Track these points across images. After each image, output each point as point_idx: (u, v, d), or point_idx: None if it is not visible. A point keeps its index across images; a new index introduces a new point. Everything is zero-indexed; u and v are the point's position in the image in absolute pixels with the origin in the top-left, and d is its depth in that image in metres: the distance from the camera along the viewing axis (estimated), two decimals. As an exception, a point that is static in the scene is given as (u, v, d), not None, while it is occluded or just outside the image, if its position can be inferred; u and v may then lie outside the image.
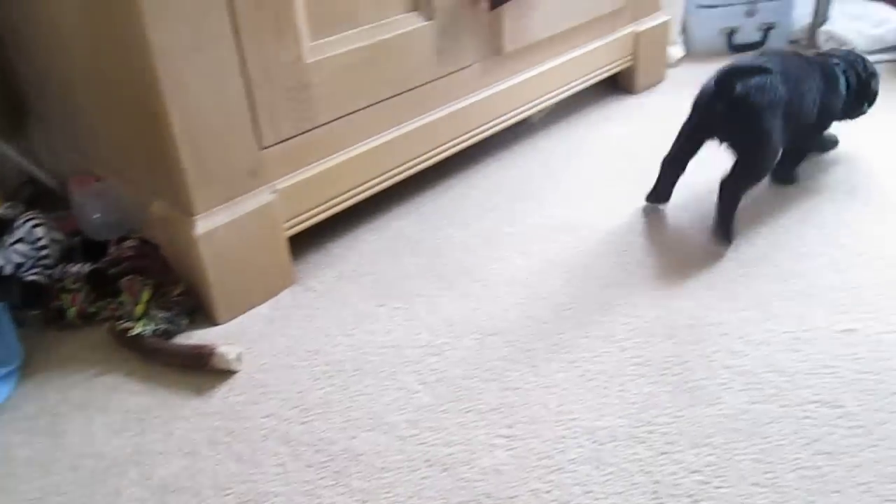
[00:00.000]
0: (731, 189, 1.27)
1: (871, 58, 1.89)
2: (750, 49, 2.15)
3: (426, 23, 1.36)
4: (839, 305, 1.13)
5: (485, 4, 1.44)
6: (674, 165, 1.38)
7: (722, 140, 1.28)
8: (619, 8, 1.80)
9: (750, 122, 1.22)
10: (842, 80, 1.39)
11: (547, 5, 1.58)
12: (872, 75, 1.45)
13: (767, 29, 2.14)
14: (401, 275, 1.29)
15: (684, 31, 2.17)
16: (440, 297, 1.22)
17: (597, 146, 1.67)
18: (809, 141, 1.47)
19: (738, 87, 1.21)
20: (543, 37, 1.62)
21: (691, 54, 2.15)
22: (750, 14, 2.11)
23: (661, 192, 1.41)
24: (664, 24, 1.95)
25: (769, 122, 1.22)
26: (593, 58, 1.79)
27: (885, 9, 2.15)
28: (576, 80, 1.77)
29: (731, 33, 2.13)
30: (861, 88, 1.42)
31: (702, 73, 1.92)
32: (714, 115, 1.26)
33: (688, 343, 1.08)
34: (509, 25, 1.52)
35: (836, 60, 1.42)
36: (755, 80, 1.22)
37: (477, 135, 1.56)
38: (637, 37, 1.88)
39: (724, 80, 1.24)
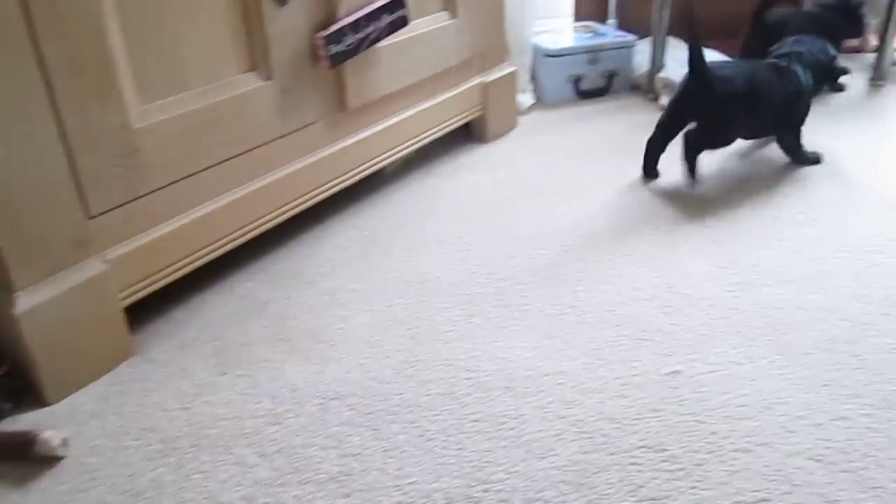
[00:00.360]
0: (692, 142, 1.64)
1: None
2: (596, 95, 2.26)
3: (264, 82, 1.36)
4: (666, 348, 1.19)
5: (325, 63, 1.45)
6: (655, 145, 1.73)
7: (693, 119, 1.64)
8: (467, 60, 1.86)
9: (713, 104, 1.58)
10: (801, 76, 1.69)
11: (392, 61, 1.61)
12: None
13: (610, 76, 2.26)
14: (246, 340, 1.26)
15: (534, 79, 2.26)
16: (284, 362, 1.20)
17: (448, 196, 1.71)
18: (786, 133, 1.76)
19: (710, 79, 1.57)
20: (390, 91, 1.65)
21: (541, 102, 2.24)
22: (593, 62, 2.22)
23: (648, 170, 1.74)
24: (511, 74, 2.03)
25: (728, 107, 1.58)
26: (443, 109, 1.83)
27: (717, 57, 2.31)
28: (427, 131, 1.80)
29: (577, 80, 2.23)
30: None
31: (552, 120, 2.01)
32: (689, 99, 1.62)
33: (525, 395, 1.11)
34: (353, 82, 1.54)
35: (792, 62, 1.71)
36: (721, 74, 1.58)
37: (325, 191, 1.56)
38: (486, 87, 1.94)
39: (699, 74, 1.58)
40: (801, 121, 1.74)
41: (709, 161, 1.79)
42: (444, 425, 1.06)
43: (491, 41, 1.93)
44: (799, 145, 1.75)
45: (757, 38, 2.09)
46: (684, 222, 1.55)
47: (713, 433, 1.03)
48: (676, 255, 1.44)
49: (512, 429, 1.05)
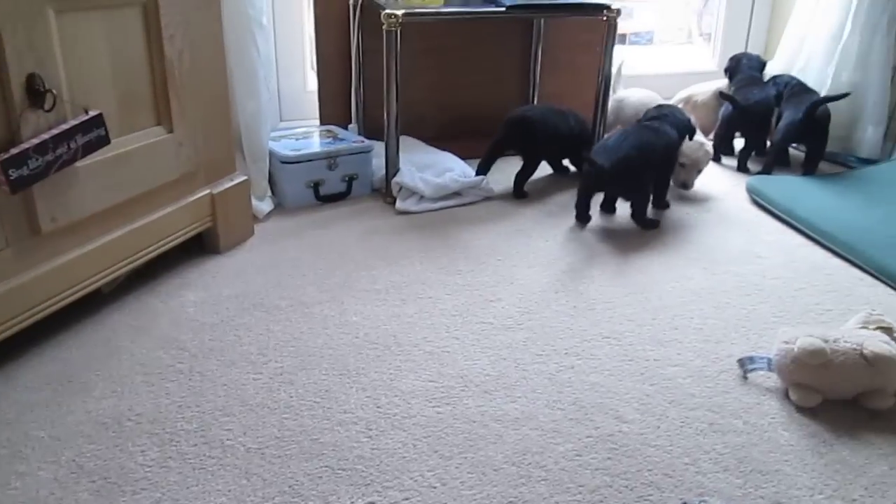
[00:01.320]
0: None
1: (437, 204, 2.13)
2: (337, 199, 2.28)
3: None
4: (365, 477, 1.18)
5: (5, 188, 1.33)
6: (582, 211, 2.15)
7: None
8: (189, 172, 1.80)
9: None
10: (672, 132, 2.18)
11: (96, 180, 1.52)
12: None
13: (350, 179, 2.30)
14: None
15: (273, 184, 2.25)
16: (-70, 542, 1.04)
17: (166, 318, 1.62)
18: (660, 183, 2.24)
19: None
20: (96, 210, 1.55)
21: (281, 208, 2.22)
22: (331, 167, 2.25)
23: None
24: (244, 184, 1.99)
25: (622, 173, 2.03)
26: (165, 224, 1.75)
27: (449, 158, 2.43)
28: (147, 248, 1.71)
29: (316, 186, 2.25)
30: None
31: (290, 226, 2.00)
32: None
33: (209, 550, 1.04)
34: (44, 205, 1.43)
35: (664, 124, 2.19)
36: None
37: (18, 324, 1.42)
38: (213, 198, 1.89)
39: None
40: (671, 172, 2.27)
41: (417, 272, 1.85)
42: None
43: (217, 153, 1.90)
44: (645, 209, 2.13)
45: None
46: (401, 335, 1.57)
47: (399, 569, 1.01)
48: (389, 370, 1.45)
49: None
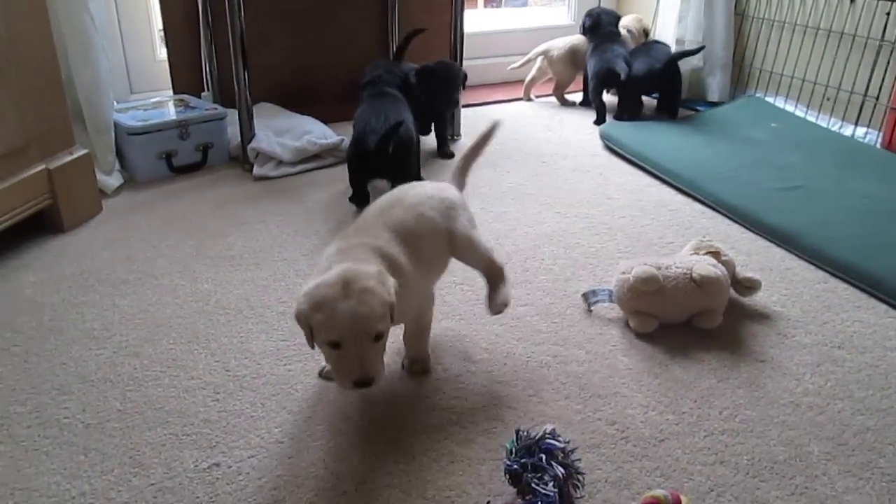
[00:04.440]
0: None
1: (296, 168, 2.10)
2: (192, 169, 2.21)
3: None
4: (211, 440, 1.15)
5: None
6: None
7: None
8: (17, 147, 1.70)
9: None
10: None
11: None
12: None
13: (205, 149, 2.23)
14: None
15: (122, 159, 2.15)
16: None
17: (1, 302, 1.53)
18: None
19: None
20: None
21: (132, 182, 2.13)
22: (183, 137, 2.17)
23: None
24: (85, 157, 1.89)
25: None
26: (-6, 203, 1.65)
27: (308, 121, 2.39)
28: (-26, 229, 1.60)
29: (168, 156, 2.16)
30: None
31: (142, 200, 1.92)
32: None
33: (40, 529, 1.00)
34: None
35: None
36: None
37: None
38: (50, 174, 1.79)
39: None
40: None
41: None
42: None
43: (50, 126, 1.79)
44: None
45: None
46: (254, 297, 1.55)
47: (243, 525, 1.01)
48: (240, 333, 1.42)
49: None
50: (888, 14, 2.34)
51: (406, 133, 1.90)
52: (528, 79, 2.94)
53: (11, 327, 1.45)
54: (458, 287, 1.58)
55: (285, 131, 2.31)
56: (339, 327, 1.02)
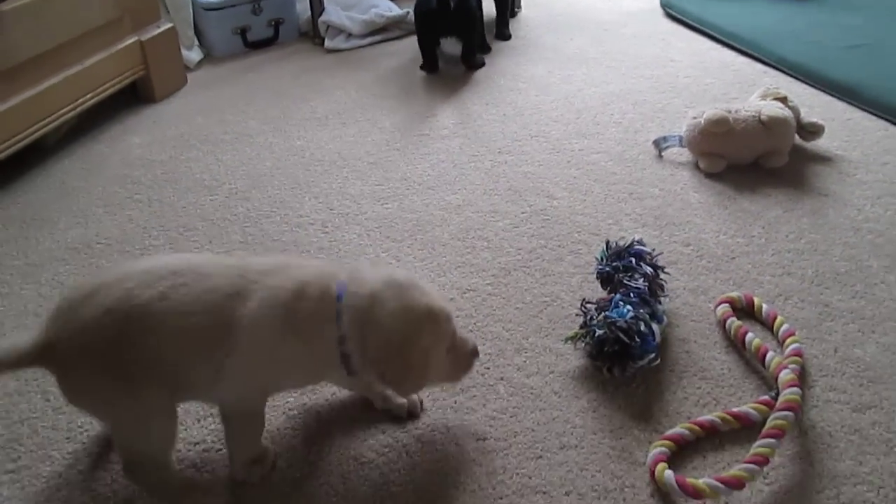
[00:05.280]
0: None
1: (365, 41, 2.18)
2: (265, 45, 2.30)
3: None
4: (327, 261, 1.30)
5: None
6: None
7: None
8: (115, 19, 1.81)
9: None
10: None
11: (21, 26, 1.53)
12: None
13: (277, 24, 2.31)
14: None
15: (199, 34, 2.25)
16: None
17: (115, 160, 1.68)
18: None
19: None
20: (24, 59, 1.56)
21: (210, 57, 2.24)
22: (256, 12, 2.26)
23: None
24: (170, 31, 2.00)
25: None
26: (97, 72, 1.77)
27: (373, -4, 2.45)
28: (83, 97, 1.74)
29: (243, 32, 2.26)
30: None
31: (222, 73, 2.03)
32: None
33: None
34: (-26, 52, 1.44)
35: None
36: None
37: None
38: (143, 45, 1.90)
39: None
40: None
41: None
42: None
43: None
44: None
45: None
46: (345, 151, 1.67)
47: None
48: (338, 180, 1.56)
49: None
50: None
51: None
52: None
53: (130, 179, 1.60)
54: (534, 139, 1.68)
55: (352, 5, 2.37)
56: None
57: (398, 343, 0.83)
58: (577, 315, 1.10)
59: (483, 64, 2.10)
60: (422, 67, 2.08)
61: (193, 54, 2.19)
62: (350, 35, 2.29)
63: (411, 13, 2.33)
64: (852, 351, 1.09)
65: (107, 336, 0.79)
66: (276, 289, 0.83)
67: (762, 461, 0.88)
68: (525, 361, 1.08)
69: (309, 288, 0.84)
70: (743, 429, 0.96)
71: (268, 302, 0.82)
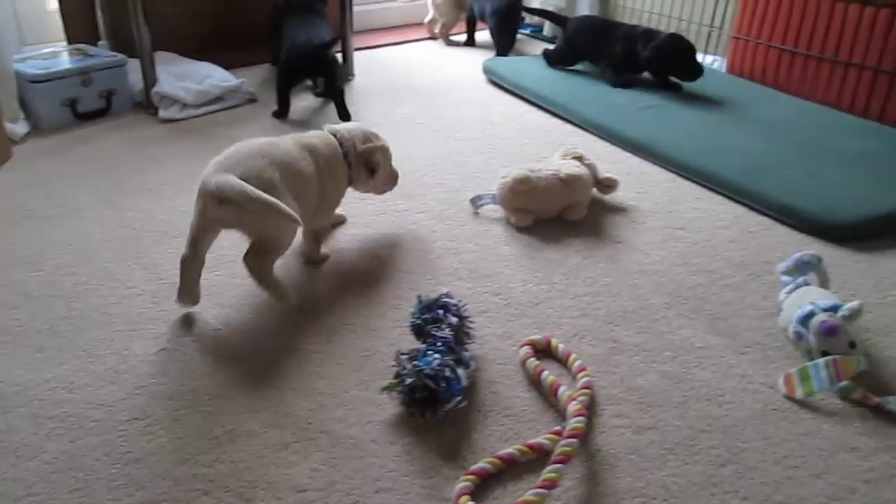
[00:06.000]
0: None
1: (200, 110, 2.22)
2: (97, 116, 2.29)
3: None
4: (156, 333, 1.33)
5: None
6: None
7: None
8: (-73, 96, 1.76)
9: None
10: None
11: None
12: None
13: (109, 95, 2.32)
14: None
15: (25, 106, 2.22)
16: None
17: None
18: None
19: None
20: None
21: (38, 129, 2.20)
22: (86, 84, 2.25)
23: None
24: (-9, 105, 1.97)
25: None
26: None
27: (208, 66, 2.51)
28: None
29: (73, 103, 2.24)
30: None
31: (54, 144, 2.01)
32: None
33: (16, 407, 1.15)
34: None
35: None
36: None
37: None
38: (-40, 121, 1.86)
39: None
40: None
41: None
42: (-77, 460, 1.06)
43: (-45, 73, 1.86)
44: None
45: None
46: (177, 221, 1.70)
47: (192, 389, 1.20)
48: (168, 250, 1.58)
49: (1, 441, 1.09)
50: (726, -47, 2.65)
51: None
52: (426, 21, 3.16)
53: (-54, 260, 1.55)
54: (361, 201, 1.79)
55: (187, 76, 2.42)
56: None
57: (369, 154, 1.55)
58: (392, 366, 1.19)
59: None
60: (275, 114, 2.29)
61: (19, 127, 2.15)
62: (185, 105, 2.33)
63: (246, 82, 2.42)
64: (635, 380, 1.24)
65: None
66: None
67: (551, 485, 1.00)
68: (345, 414, 1.16)
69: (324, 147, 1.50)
70: (538, 458, 1.07)
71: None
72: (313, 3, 2.48)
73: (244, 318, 1.38)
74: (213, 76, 2.43)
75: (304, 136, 1.50)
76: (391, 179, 1.65)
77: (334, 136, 1.54)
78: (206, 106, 2.36)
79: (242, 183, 1.28)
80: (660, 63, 2.41)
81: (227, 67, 2.54)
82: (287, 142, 1.45)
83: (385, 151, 1.60)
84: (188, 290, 1.37)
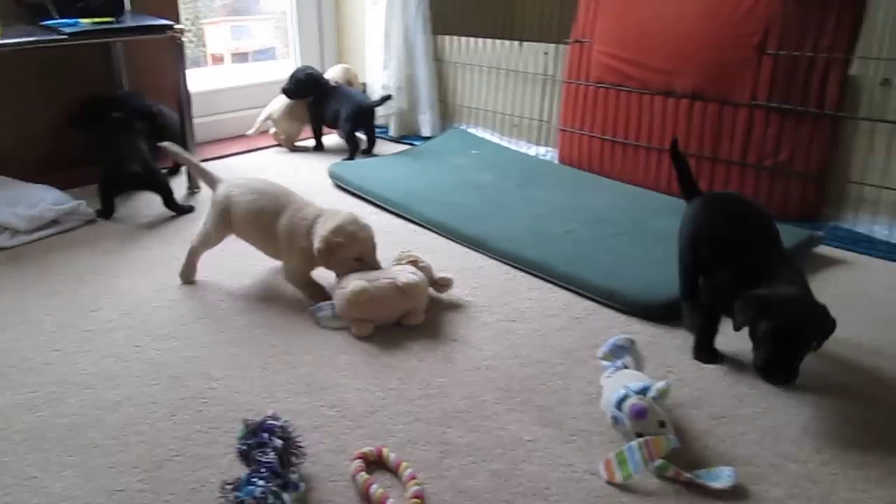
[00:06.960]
0: None
1: (33, 236, 2.15)
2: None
3: None
4: (-36, 488, 1.25)
5: None
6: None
7: None
8: None
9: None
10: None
11: None
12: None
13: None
14: None
15: None
16: None
17: None
18: None
19: None
20: None
21: None
22: None
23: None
24: None
25: None
26: None
27: (42, 189, 2.44)
28: None
29: None
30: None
31: None
32: None
33: None
34: None
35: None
36: None
37: None
38: None
39: None
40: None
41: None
42: None
43: None
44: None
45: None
46: (-2, 359, 1.63)
47: None
48: (-14, 393, 1.51)
49: None
50: (545, 54, 2.88)
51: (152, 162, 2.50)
52: (271, 132, 3.23)
53: None
54: (199, 321, 1.77)
55: (18, 201, 2.34)
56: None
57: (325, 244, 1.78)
58: (219, 498, 1.17)
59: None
60: (99, 213, 2.40)
61: None
62: (16, 232, 2.25)
63: (83, 204, 2.37)
64: (465, 482, 1.27)
65: None
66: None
67: None
68: (170, 556, 1.12)
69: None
70: (367, 577, 1.07)
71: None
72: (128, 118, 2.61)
73: (56, 472, 1.32)
74: (46, 199, 2.37)
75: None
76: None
77: None
78: (40, 231, 2.29)
79: None
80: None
81: (67, 188, 2.48)
82: None
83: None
84: None
